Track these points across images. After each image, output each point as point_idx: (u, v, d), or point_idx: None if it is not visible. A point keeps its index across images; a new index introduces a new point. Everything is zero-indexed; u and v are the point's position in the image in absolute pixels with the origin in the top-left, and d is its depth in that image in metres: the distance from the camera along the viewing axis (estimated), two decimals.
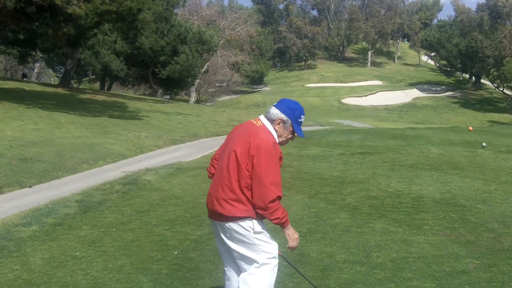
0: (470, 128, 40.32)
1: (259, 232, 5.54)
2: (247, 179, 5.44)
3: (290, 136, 5.78)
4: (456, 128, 45.46)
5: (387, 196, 13.74)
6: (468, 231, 10.03)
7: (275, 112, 5.75)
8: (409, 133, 37.37)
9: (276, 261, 5.64)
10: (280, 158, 5.55)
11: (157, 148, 30.04)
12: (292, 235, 5.66)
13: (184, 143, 33.51)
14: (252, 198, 5.45)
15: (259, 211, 5.45)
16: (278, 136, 5.67)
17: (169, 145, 31.69)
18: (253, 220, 5.51)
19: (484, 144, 25.19)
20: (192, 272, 8.32)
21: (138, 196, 15.16)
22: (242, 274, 5.64)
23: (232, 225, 5.50)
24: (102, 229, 11.39)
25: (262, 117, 5.83)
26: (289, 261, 6.49)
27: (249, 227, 5.50)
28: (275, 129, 5.70)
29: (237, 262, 5.69)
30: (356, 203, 13.02)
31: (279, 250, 5.74)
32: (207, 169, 6.12)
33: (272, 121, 5.73)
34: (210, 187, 5.79)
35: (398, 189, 14.54)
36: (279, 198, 5.43)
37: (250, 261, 5.58)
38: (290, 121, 5.70)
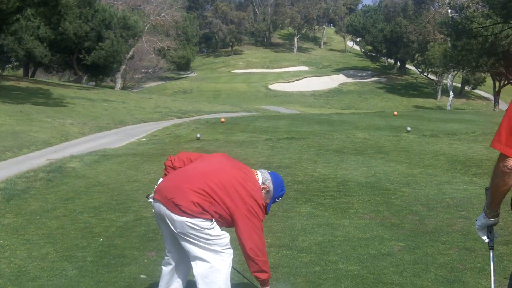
0: (395, 113, 40.90)
1: (212, 228, 5.45)
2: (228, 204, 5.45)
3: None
4: (382, 113, 46.05)
5: (313, 180, 13.87)
6: (393, 214, 10.18)
7: (267, 177, 5.82)
8: (335, 118, 37.75)
9: (231, 251, 5.59)
10: None
11: (82, 135, 29.75)
12: None
13: (110, 130, 33.28)
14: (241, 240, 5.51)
15: (254, 256, 5.51)
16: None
17: (95, 132, 31.43)
18: (212, 221, 5.45)
19: (408, 128, 25.59)
20: (118, 259, 8.24)
21: (63, 183, 14.97)
22: (196, 268, 5.54)
23: (185, 220, 5.36)
24: (26, 217, 11.21)
25: (259, 175, 5.84)
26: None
27: (204, 226, 5.40)
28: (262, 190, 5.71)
29: (187, 251, 5.56)
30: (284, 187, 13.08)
31: None
32: (170, 157, 5.99)
33: (261, 183, 5.76)
34: (174, 176, 5.65)
35: (324, 174, 14.70)
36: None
37: (203, 252, 5.49)
38: (271, 195, 5.81)
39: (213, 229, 5.43)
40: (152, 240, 9.09)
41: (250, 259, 5.48)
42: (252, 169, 5.86)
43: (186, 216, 5.32)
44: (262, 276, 5.54)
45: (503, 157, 3.68)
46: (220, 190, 5.39)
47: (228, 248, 5.55)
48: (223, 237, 5.51)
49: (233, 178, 5.49)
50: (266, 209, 5.75)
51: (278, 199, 5.93)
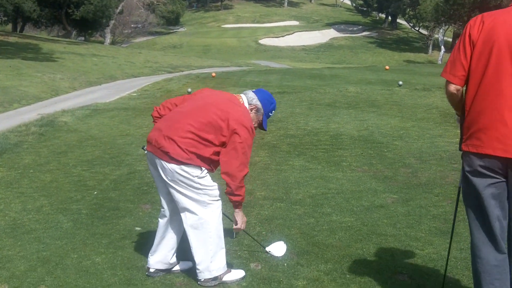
0: (387, 67, 40.79)
1: (203, 177, 5.47)
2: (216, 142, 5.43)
3: (256, 125, 5.77)
4: (373, 68, 45.98)
5: (306, 134, 13.90)
6: (386, 167, 10.23)
7: (252, 96, 5.76)
8: (326, 72, 37.66)
9: (220, 202, 5.62)
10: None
11: (72, 90, 29.65)
12: (243, 217, 5.75)
13: (100, 84, 33.16)
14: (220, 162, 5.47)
15: (227, 179, 5.40)
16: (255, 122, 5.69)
17: (85, 87, 31.34)
18: (202, 169, 5.45)
19: (400, 82, 25.55)
20: (112, 211, 8.28)
21: (55, 137, 14.97)
22: (185, 220, 5.58)
23: (176, 167, 5.37)
24: (19, 171, 11.22)
25: (244, 98, 5.78)
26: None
27: (194, 174, 5.42)
28: (251, 111, 5.69)
29: (176, 201, 5.57)
30: (275, 141, 13.13)
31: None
32: (155, 108, 5.94)
33: (247, 104, 5.72)
34: (160, 124, 5.61)
35: (317, 127, 14.72)
36: (244, 176, 5.49)
37: (191, 203, 5.51)
38: (262, 112, 5.75)
39: (204, 178, 5.46)
40: (146, 193, 9.11)
41: (225, 180, 5.45)
42: (236, 94, 5.82)
43: (175, 163, 5.35)
44: (233, 198, 5.50)
45: (447, 83, 4.53)
46: (206, 127, 5.38)
47: (218, 200, 5.58)
48: (213, 188, 5.53)
49: (218, 110, 5.45)
50: (262, 127, 5.81)
51: (271, 113, 5.87)
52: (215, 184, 5.57)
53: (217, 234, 5.59)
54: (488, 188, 4.26)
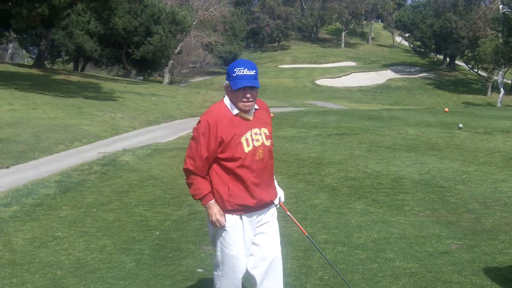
0: (446, 109, 40.51)
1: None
2: None
3: (244, 99, 5.24)
4: (432, 109, 45.69)
5: (366, 177, 13.81)
6: (449, 211, 10.10)
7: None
8: (384, 114, 37.52)
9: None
10: (210, 129, 5.22)
11: (132, 129, 29.98)
12: (210, 217, 5.36)
13: (159, 124, 33.49)
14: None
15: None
16: (235, 103, 5.29)
17: (144, 126, 31.66)
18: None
19: (460, 125, 25.33)
20: (174, 252, 8.33)
21: (117, 176, 15.14)
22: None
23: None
24: (83, 210, 11.38)
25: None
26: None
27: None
28: (229, 97, 5.39)
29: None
30: (335, 184, 13.07)
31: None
32: None
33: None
34: None
35: (377, 170, 14.63)
36: (188, 171, 5.33)
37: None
38: (228, 82, 5.30)
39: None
40: (207, 234, 9.11)
41: None
42: None
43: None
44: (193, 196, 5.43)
45: None
46: None
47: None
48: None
49: None
50: (238, 88, 5.18)
51: (234, 73, 5.19)
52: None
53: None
54: None
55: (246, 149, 5.27)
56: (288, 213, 5.94)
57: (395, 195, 11.65)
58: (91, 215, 10.91)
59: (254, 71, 5.23)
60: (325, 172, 14.56)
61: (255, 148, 5.31)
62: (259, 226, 5.50)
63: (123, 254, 8.33)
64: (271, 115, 5.81)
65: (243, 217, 5.37)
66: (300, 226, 5.97)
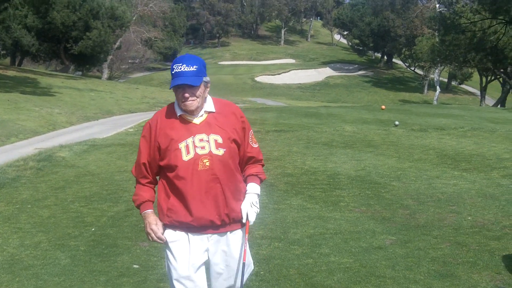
0: (383, 106, 40.89)
1: None
2: None
3: (183, 99, 4.62)
4: (369, 107, 46.10)
5: (303, 173, 13.91)
6: (384, 207, 10.23)
7: None
8: (323, 111, 37.72)
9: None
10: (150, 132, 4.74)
11: (70, 124, 29.70)
12: (144, 227, 4.85)
13: (97, 120, 33.22)
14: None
15: None
16: (178, 103, 4.72)
17: (83, 122, 31.39)
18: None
19: (397, 122, 25.62)
20: (110, 248, 8.29)
21: (53, 172, 14.98)
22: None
23: None
24: (17, 206, 11.24)
25: None
26: None
27: None
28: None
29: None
30: (273, 180, 13.12)
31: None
32: None
33: None
34: None
35: (314, 167, 14.74)
36: (134, 176, 4.93)
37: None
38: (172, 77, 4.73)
39: None
40: (143, 231, 9.06)
41: None
42: None
43: None
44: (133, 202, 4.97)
45: None
46: None
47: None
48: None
49: None
50: (173, 87, 4.63)
51: (173, 71, 4.62)
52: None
53: None
54: None
55: (185, 157, 4.60)
56: (246, 236, 4.79)
57: (331, 191, 11.76)
58: (26, 211, 10.77)
59: (195, 66, 4.66)
60: None
61: (197, 157, 4.59)
62: (214, 253, 4.79)
63: (58, 250, 8.25)
64: (242, 118, 4.92)
65: (189, 234, 4.71)
66: (245, 252, 4.76)
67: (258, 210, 4.83)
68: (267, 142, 20.03)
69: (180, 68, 4.60)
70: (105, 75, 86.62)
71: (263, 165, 5.20)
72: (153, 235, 4.70)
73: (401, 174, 13.38)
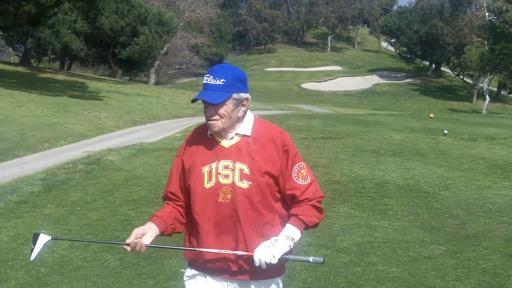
0: (431, 115, 40.57)
1: None
2: None
3: (206, 116, 3.95)
4: (417, 115, 45.80)
5: (350, 181, 13.86)
6: (433, 217, 10.14)
7: None
8: (370, 119, 37.56)
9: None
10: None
11: (118, 128, 29.91)
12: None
13: (144, 124, 33.41)
14: None
15: None
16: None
17: (130, 126, 31.59)
18: None
19: (445, 131, 25.41)
20: (158, 252, 8.30)
21: (102, 176, 15.12)
22: None
23: None
24: (67, 208, 11.36)
25: None
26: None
27: None
28: None
29: None
30: (320, 187, 13.03)
31: None
32: None
33: None
34: None
35: (361, 174, 14.68)
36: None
37: None
38: None
39: None
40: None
41: None
42: None
43: None
44: None
45: None
46: None
47: None
48: None
49: None
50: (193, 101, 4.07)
51: (205, 77, 3.90)
52: None
53: None
54: None
55: (207, 184, 3.85)
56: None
57: (379, 200, 11.69)
58: (75, 213, 10.89)
59: (222, 80, 3.86)
60: None
61: (218, 186, 3.83)
62: None
63: (106, 252, 8.32)
64: (285, 147, 3.99)
65: (207, 275, 4.03)
66: None
67: (277, 255, 3.71)
68: (313, 149, 19.98)
69: (207, 80, 3.91)
70: (152, 80, 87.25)
71: (315, 206, 4.05)
72: (131, 244, 3.91)
73: (451, 184, 13.25)
